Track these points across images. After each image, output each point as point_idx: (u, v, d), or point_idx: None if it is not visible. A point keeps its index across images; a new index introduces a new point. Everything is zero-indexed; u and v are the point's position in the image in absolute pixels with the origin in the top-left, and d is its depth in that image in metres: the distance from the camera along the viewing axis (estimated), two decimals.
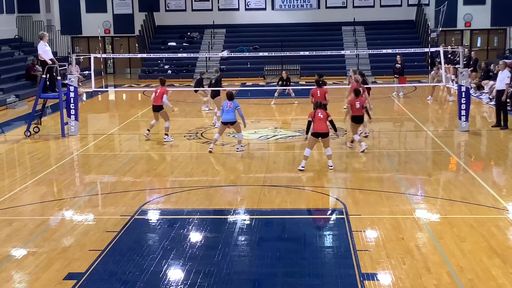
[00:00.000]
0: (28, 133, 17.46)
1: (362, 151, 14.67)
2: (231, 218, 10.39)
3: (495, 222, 9.76)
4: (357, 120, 15.10)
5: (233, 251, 8.85)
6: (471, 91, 19.65)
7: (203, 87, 21.24)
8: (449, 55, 27.50)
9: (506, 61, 19.75)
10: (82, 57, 27.02)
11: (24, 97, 25.04)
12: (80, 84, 20.44)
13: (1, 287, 7.77)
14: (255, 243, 9.21)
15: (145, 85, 30.01)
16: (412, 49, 23.44)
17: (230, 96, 14.94)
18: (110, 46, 37.19)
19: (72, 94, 17.60)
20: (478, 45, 35.08)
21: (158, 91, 16.45)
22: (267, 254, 8.72)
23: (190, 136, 17.33)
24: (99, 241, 9.20)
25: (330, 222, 10.41)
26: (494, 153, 15.01)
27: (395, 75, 24.63)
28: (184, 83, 28.83)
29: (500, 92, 17.57)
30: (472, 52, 27.85)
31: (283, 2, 35.76)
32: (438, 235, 9.19)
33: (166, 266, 8.31)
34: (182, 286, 7.70)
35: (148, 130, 16.87)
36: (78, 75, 20.13)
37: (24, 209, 11.03)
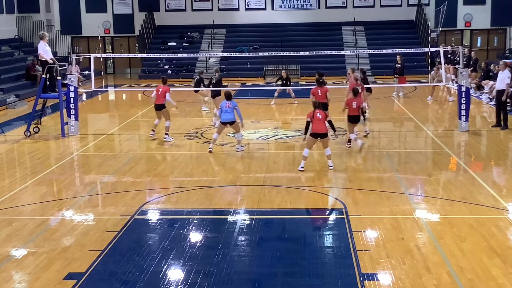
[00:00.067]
0: (28, 133, 17.46)
1: (359, 149, 14.70)
2: (231, 218, 10.39)
3: (495, 222, 9.76)
4: (353, 119, 15.14)
5: (233, 251, 8.85)
6: (471, 91, 19.65)
7: (204, 86, 21.24)
8: (449, 55, 27.50)
9: (506, 61, 19.75)
10: (82, 57, 27.01)
11: (24, 97, 25.04)
12: (80, 84, 20.43)
13: (1, 287, 7.77)
14: (255, 243, 9.21)
15: (145, 85, 30.01)
16: (412, 49, 23.44)
17: (229, 96, 14.96)
18: (110, 46, 37.19)
19: (72, 94, 17.60)
20: (478, 45, 35.08)
21: (160, 90, 16.46)
22: (267, 254, 8.72)
23: (190, 136, 17.34)
24: (99, 241, 9.21)
25: (330, 222, 10.41)
26: (494, 153, 15.01)
27: (395, 75, 24.63)
28: (184, 83, 28.82)
29: (500, 92, 17.57)
30: (472, 52, 27.86)
31: (283, 2, 35.77)
32: (438, 235, 9.19)
33: (166, 266, 8.32)
34: (182, 286, 7.70)
35: (153, 130, 16.86)
36: (78, 75, 20.12)
37: (24, 209, 11.03)
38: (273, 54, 26.58)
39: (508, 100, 17.89)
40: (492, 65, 24.12)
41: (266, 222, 10.21)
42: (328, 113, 16.05)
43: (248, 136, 17.01)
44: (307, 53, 25.65)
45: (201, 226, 10.09)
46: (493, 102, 20.08)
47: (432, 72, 23.48)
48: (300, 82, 29.56)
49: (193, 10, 36.24)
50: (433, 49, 24.20)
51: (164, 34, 35.87)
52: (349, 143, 15.28)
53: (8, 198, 11.62)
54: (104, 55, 29.16)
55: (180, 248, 8.98)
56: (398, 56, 24.31)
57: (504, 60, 20.71)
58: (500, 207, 10.52)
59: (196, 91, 21.80)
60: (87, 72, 25.23)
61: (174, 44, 34.94)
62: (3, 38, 30.55)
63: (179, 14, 36.21)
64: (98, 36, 30.25)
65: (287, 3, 35.76)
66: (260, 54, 27.40)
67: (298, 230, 9.96)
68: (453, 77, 25.89)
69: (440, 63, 21.27)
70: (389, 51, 23.47)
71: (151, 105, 21.21)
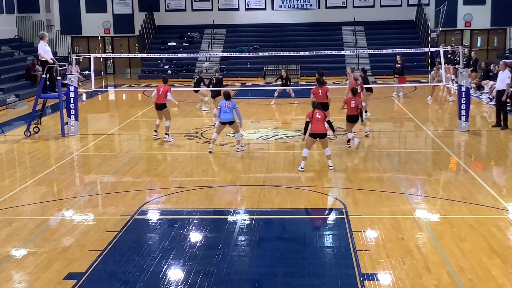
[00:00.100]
0: (28, 133, 17.46)
1: (356, 147, 14.72)
2: (231, 218, 10.39)
3: (495, 222, 9.76)
4: (351, 119, 15.18)
5: (233, 251, 8.85)
6: (471, 91, 19.65)
7: (205, 85, 21.26)
8: (449, 55, 27.50)
9: (507, 61, 19.75)
10: (82, 57, 27.02)
11: (24, 97, 25.04)
12: (80, 84, 20.43)
13: (1, 287, 7.77)
14: (255, 243, 9.21)
15: (145, 85, 30.02)
16: (412, 49, 23.43)
17: (228, 96, 14.96)
18: (110, 46, 37.19)
19: (72, 94, 17.60)
20: (478, 45, 35.08)
21: (161, 89, 16.45)
22: (267, 254, 8.72)
23: (190, 136, 17.34)
24: (99, 241, 9.21)
25: (330, 222, 10.41)
26: (494, 153, 15.01)
27: (395, 75, 24.63)
28: (184, 83, 28.81)
29: (500, 92, 17.57)
30: (472, 52, 27.86)
31: (283, 2, 35.77)
32: (438, 235, 9.19)
33: (166, 266, 8.32)
34: (182, 286, 7.70)
35: (156, 131, 16.83)
36: (78, 75, 20.12)
37: (24, 209, 11.03)
38: (273, 54, 26.58)
39: (508, 100, 17.89)
40: (492, 65, 24.12)
41: (266, 222, 10.21)
42: (329, 113, 16.11)
43: (248, 136, 17.01)
44: (307, 53, 25.65)
45: (201, 226, 10.09)
46: (493, 102, 20.08)
47: (432, 72, 23.48)
48: (300, 82, 29.56)
49: (193, 10, 36.24)
50: (433, 49, 24.20)
51: (164, 34, 35.87)
52: (348, 143, 15.29)
53: (8, 198, 11.62)
54: (104, 55, 29.16)
55: (180, 248, 8.98)
56: (398, 56, 24.31)
57: (504, 60, 20.71)
58: (500, 207, 10.52)
59: (196, 91, 21.81)
60: (87, 72, 25.22)
61: (174, 44, 34.94)
62: (3, 38, 30.56)
63: (179, 14, 36.21)
64: (98, 36, 30.25)
65: (287, 3, 35.76)
66: (260, 54, 27.40)
67: (298, 230, 9.96)
68: (453, 77, 25.89)
69: (440, 63, 21.27)
70: (389, 51, 23.47)
71: (151, 105, 21.23)
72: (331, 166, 13.13)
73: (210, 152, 14.92)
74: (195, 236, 9.58)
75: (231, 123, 14.82)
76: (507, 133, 16.92)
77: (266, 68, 32.68)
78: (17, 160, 15.16)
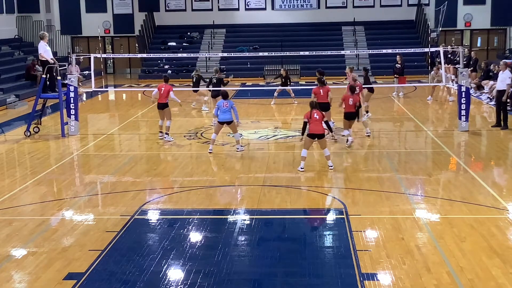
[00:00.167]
0: (28, 133, 17.46)
1: (349, 146, 14.95)
2: (231, 218, 10.39)
3: (495, 222, 9.76)
4: (348, 116, 15.22)
5: (233, 251, 8.85)
6: (471, 91, 19.65)
7: (205, 83, 21.27)
8: (449, 55, 27.50)
9: (507, 61, 19.75)
10: (82, 57, 27.02)
11: (24, 97, 25.04)
12: (80, 84, 20.43)
13: (1, 287, 7.77)
14: (255, 243, 9.21)
15: (145, 85, 30.01)
16: (412, 49, 23.42)
17: (225, 95, 14.96)
18: (110, 46, 37.19)
19: (72, 94, 17.60)
20: (478, 45, 35.08)
21: (163, 89, 16.42)
22: (267, 254, 8.72)
23: (190, 136, 17.34)
24: (99, 241, 9.21)
25: (330, 222, 10.41)
26: (494, 153, 15.01)
27: (395, 75, 24.61)
28: (184, 83, 28.80)
29: (500, 92, 17.57)
30: (472, 52, 27.88)
31: (283, 2, 35.77)
32: (438, 235, 9.19)
33: (166, 266, 8.32)
34: (182, 286, 7.70)
35: (161, 132, 16.73)
36: (78, 75, 20.12)
37: (24, 209, 11.04)
38: (273, 54, 26.58)
39: (508, 100, 17.89)
40: (492, 65, 24.12)
41: (266, 222, 10.21)
42: (330, 113, 16.11)
43: (248, 136, 17.01)
44: (307, 53, 25.64)
45: (201, 226, 10.09)
46: (493, 102, 20.09)
47: (432, 72, 23.48)
48: (300, 82, 29.56)
49: (193, 10, 36.24)
50: (433, 49, 24.21)
51: (164, 34, 35.87)
52: (348, 142, 15.34)
53: (8, 198, 11.62)
54: (104, 55, 29.17)
55: (180, 248, 8.98)
56: (398, 56, 24.30)
57: (505, 60, 20.72)
58: (500, 207, 10.52)
59: (196, 91, 21.82)
60: (87, 72, 25.24)
61: (174, 44, 34.94)
62: (3, 38, 30.56)
63: (179, 14, 36.21)
64: (98, 36, 30.28)
65: (287, 3, 35.76)
66: (260, 54, 27.40)
67: (298, 230, 9.96)
68: (453, 77, 25.89)
69: (440, 63, 21.27)
70: (389, 51, 23.47)
71: (151, 105, 21.25)
72: (331, 166, 13.13)
73: (210, 153, 14.92)
74: (195, 236, 9.58)
75: (229, 123, 14.81)
76: (507, 133, 16.93)
77: (266, 68, 32.68)
78: (17, 160, 15.16)
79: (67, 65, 20.79)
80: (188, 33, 35.80)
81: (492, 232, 9.29)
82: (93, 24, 33.89)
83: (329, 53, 26.27)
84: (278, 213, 10.59)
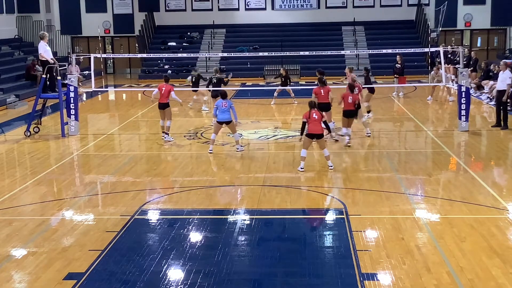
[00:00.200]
0: (28, 133, 17.46)
1: (345, 145, 15.05)
2: (231, 218, 10.39)
3: (495, 222, 9.76)
4: (348, 114, 15.26)
5: (233, 251, 8.85)
6: (471, 91, 19.65)
7: (204, 81, 21.25)
8: (449, 55, 27.50)
9: (507, 61, 19.74)
10: (82, 57, 27.02)
11: (24, 97, 25.04)
12: (80, 84, 20.43)
13: (1, 287, 7.77)
14: (255, 243, 9.21)
15: (145, 85, 30.01)
16: (412, 49, 23.42)
17: (224, 95, 14.94)
18: (110, 46, 37.19)
19: (72, 94, 17.61)
20: (478, 45, 35.08)
21: (164, 88, 16.41)
22: (267, 254, 8.72)
23: (190, 136, 17.34)
24: (99, 241, 9.21)
25: (330, 222, 10.41)
26: (494, 153, 15.01)
27: (395, 75, 24.61)
28: (184, 83, 28.79)
29: (501, 92, 17.57)
30: (472, 52, 27.88)
31: (283, 2, 35.77)
32: (438, 235, 9.19)
33: (166, 266, 8.32)
34: (182, 286, 7.70)
35: (164, 132, 16.67)
36: (78, 75, 20.12)
37: (24, 209, 11.04)
38: (273, 54, 26.59)
39: (508, 100, 17.88)
40: (492, 65, 24.12)
41: (266, 222, 10.21)
42: (331, 113, 16.10)
43: (248, 136, 17.01)
44: (307, 53, 25.64)
45: (201, 226, 10.09)
46: (493, 102, 20.09)
47: (432, 72, 23.48)
48: (300, 82, 29.56)
49: (193, 10, 36.24)
50: (433, 49, 24.21)
51: (164, 34, 35.86)
52: (348, 141, 15.41)
53: (8, 198, 11.62)
54: (104, 55, 29.18)
55: (180, 248, 8.98)
56: (398, 56, 24.30)
57: (505, 60, 20.71)
58: (500, 207, 10.52)
59: (195, 91, 21.81)
60: (87, 72, 25.23)
61: (174, 44, 34.94)
62: (3, 38, 30.57)
63: (179, 14, 36.21)
64: (98, 36, 30.28)
65: (287, 3, 35.76)
66: (260, 54, 27.40)
67: (298, 230, 9.96)
68: (453, 77, 25.89)
69: (440, 63, 21.27)
70: (389, 51, 23.47)
71: (151, 105, 21.27)
72: (331, 166, 13.12)
73: (210, 153, 14.91)
74: (195, 236, 9.58)
75: (228, 122, 14.80)
76: (507, 133, 16.93)
77: (266, 68, 32.68)
78: (17, 160, 15.16)
79: (67, 65, 20.79)
80: (188, 33, 35.80)
81: (492, 232, 9.29)
82: (93, 24, 33.89)
83: (329, 53, 26.27)
84: (278, 213, 10.59)
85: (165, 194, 11.88)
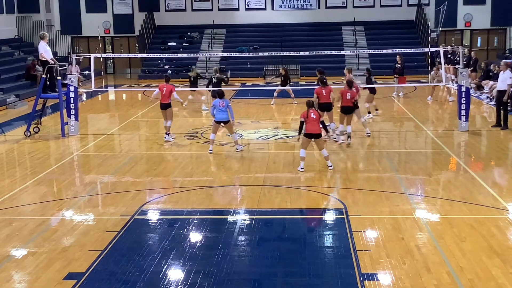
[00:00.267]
0: (28, 133, 17.46)
1: (339, 143, 15.14)
2: (231, 218, 10.38)
3: (495, 222, 9.76)
4: (345, 110, 15.31)
5: (233, 251, 8.85)
6: (471, 91, 19.65)
7: (198, 85, 21.24)
8: (449, 55, 27.50)
9: (507, 61, 19.74)
10: (82, 57, 27.02)
11: (24, 97, 25.04)
12: (80, 84, 20.44)
13: (1, 287, 7.77)
14: (255, 243, 9.21)
15: (145, 85, 30.01)
16: (412, 49, 23.43)
17: (221, 95, 14.91)
18: (110, 46, 37.19)
19: (72, 94, 17.61)
20: (478, 45, 35.08)
21: (165, 89, 16.40)
22: (267, 254, 8.72)
23: (190, 136, 17.34)
24: (99, 241, 9.21)
25: (330, 222, 10.41)
26: (494, 153, 15.01)
27: (395, 75, 24.59)
28: (184, 83, 28.80)
29: (501, 92, 17.56)
30: (472, 52, 27.87)
31: (283, 2, 35.77)
32: (438, 235, 9.19)
33: (166, 266, 8.32)
34: (182, 286, 7.70)
35: (167, 133, 16.67)
36: (78, 75, 20.13)
37: (24, 209, 11.04)
38: (273, 54, 26.58)
39: (508, 100, 17.88)
40: (492, 65, 24.12)
41: (266, 222, 10.21)
42: (332, 113, 16.09)
43: (248, 136, 17.01)
44: (307, 53, 25.63)
45: (201, 226, 10.09)
46: (493, 102, 20.08)
47: (432, 72, 23.47)
48: (300, 82, 29.55)
49: (193, 10, 36.24)
50: (433, 49, 24.21)
51: (164, 34, 35.87)
52: (349, 138, 15.44)
53: (8, 198, 11.62)
54: (104, 55, 29.18)
55: (180, 248, 8.98)
56: (398, 56, 24.28)
57: (505, 60, 20.71)
58: (500, 207, 10.52)
59: (193, 91, 21.81)
60: (87, 72, 25.25)
61: (174, 44, 34.94)
62: (3, 38, 30.57)
63: (179, 14, 36.21)
64: (98, 36, 30.28)
65: (287, 3, 35.76)
66: (260, 54, 27.38)
67: (298, 230, 9.96)
68: (453, 77, 25.89)
69: (440, 63, 21.27)
70: (389, 51, 23.48)
71: (151, 105, 21.27)
72: (331, 166, 13.12)
73: (210, 153, 14.91)
74: (195, 236, 9.58)
75: (225, 122, 14.78)
76: (507, 133, 16.93)
77: (266, 68, 32.69)
78: (17, 160, 15.16)
79: (67, 65, 20.79)
80: (188, 33, 35.80)
81: (492, 232, 9.29)
82: (93, 24, 33.89)
83: (329, 53, 26.28)
84: (278, 213, 10.59)
85: (165, 194, 11.88)
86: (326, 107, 15.65)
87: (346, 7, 35.41)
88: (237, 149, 15.08)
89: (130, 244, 9.16)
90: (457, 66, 23.82)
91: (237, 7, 36.05)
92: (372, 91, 19.58)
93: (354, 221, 9.91)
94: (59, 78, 17.94)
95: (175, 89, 16.65)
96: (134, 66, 36.13)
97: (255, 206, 10.92)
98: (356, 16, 34.92)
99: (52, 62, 17.88)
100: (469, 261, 8.22)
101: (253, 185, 12.27)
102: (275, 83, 25.57)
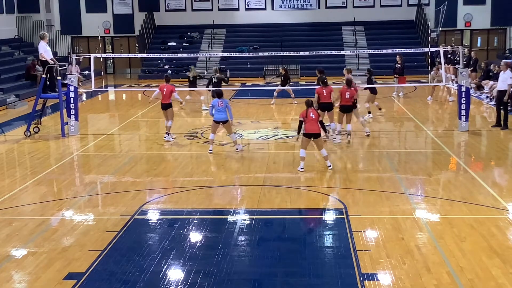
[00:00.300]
0: (28, 133, 17.46)
1: (338, 143, 15.21)
2: (231, 218, 10.38)
3: (495, 222, 9.76)
4: (344, 109, 15.32)
5: (233, 251, 8.85)
6: (471, 91, 19.65)
7: (197, 85, 21.23)
8: (449, 55, 27.50)
9: (508, 61, 19.73)
10: (82, 57, 27.03)
11: (24, 97, 25.04)
12: (80, 84, 20.43)
13: (1, 287, 7.77)
14: (255, 243, 9.21)
15: (145, 85, 30.01)
16: (412, 49, 23.44)
17: (219, 94, 14.90)
18: (110, 46, 37.19)
19: (72, 94, 17.60)
20: (478, 45, 35.08)
21: (165, 89, 16.40)
22: (267, 254, 8.72)
23: (190, 136, 17.34)
24: (99, 241, 9.21)
25: (330, 222, 10.40)
26: (494, 153, 15.01)
27: (395, 75, 24.60)
28: (184, 83, 28.79)
29: (501, 92, 17.56)
30: (472, 52, 27.87)
31: (283, 2, 35.77)
32: (438, 235, 9.19)
33: (166, 266, 8.32)
34: (182, 286, 7.70)
35: (167, 133, 16.65)
36: (78, 75, 20.12)
37: (24, 209, 11.04)
38: (273, 54, 26.59)
39: (509, 100, 17.88)
40: (492, 65, 24.12)
41: (266, 222, 10.21)
42: (333, 113, 16.10)
43: (248, 136, 17.01)
44: (307, 53, 25.64)
45: (201, 226, 10.09)
46: (493, 102, 20.08)
47: (432, 72, 23.47)
48: (300, 82, 29.55)
49: (193, 10, 36.24)
50: (433, 49, 24.21)
51: (164, 34, 35.87)
52: (348, 136, 15.47)
53: (8, 198, 11.62)
54: (104, 55, 29.18)
55: (180, 248, 8.98)
56: (398, 56, 24.29)
57: (505, 60, 20.71)
58: (500, 207, 10.52)
59: (192, 91, 21.81)
60: (87, 72, 25.24)
61: (174, 44, 34.95)
62: (3, 38, 30.57)
63: (179, 14, 36.21)
64: (98, 36, 30.28)
65: (287, 3, 35.76)
66: (260, 54, 27.40)
67: (298, 230, 9.96)
68: (453, 77, 25.89)
69: (440, 63, 21.27)
70: (389, 51, 23.49)
71: (151, 105, 21.26)
72: (330, 166, 13.12)
73: (210, 153, 14.91)
74: (195, 236, 9.58)
75: (224, 122, 14.76)
76: (507, 133, 16.93)
77: (266, 68, 32.69)
78: (17, 160, 15.16)
79: (67, 65, 20.79)
80: (188, 33, 35.80)
81: (492, 232, 9.29)
82: (93, 24, 33.90)
83: (329, 53, 26.27)
84: (278, 213, 10.59)
85: (165, 194, 11.88)
86: (327, 107, 15.66)
87: (346, 7, 35.41)
88: (237, 149, 15.08)
89: (130, 244, 9.16)
90: (457, 66, 23.82)
91: (237, 7, 36.05)
92: (373, 91, 19.60)
93: (354, 221, 9.91)
94: (59, 78, 17.94)
95: (176, 89, 16.65)
96: (134, 66, 36.14)
97: (255, 206, 10.92)
98: (356, 16, 34.92)
99: (52, 63, 17.88)
100: (469, 261, 8.22)
101: (253, 185, 12.27)
102: (275, 83, 25.55)
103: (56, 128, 18.72)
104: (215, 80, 20.18)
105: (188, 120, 20.06)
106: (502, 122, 17.40)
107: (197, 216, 10.42)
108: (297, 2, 35.68)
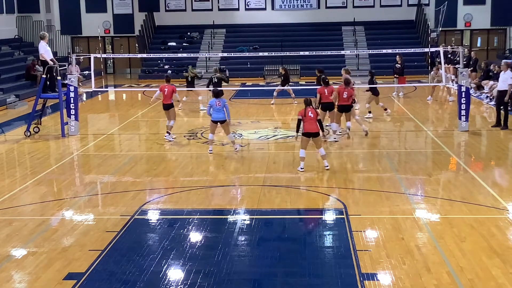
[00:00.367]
0: (28, 133, 17.46)
1: (330, 143, 15.23)
2: (231, 218, 10.38)
3: (495, 222, 9.76)
4: (342, 109, 15.37)
5: (233, 251, 8.85)
6: (471, 91, 19.65)
7: (195, 85, 21.24)
8: (449, 55, 27.50)
9: (508, 61, 19.73)
10: (82, 57, 27.03)
11: (24, 97, 25.04)
12: (80, 84, 20.44)
13: (1, 287, 7.77)
14: (255, 243, 9.21)
15: (145, 85, 30.01)
16: (412, 49, 23.44)
17: (218, 94, 14.88)
18: (110, 46, 37.20)
19: (72, 94, 17.60)
20: (478, 45, 35.08)
21: (166, 89, 16.40)
22: (267, 254, 8.72)
23: (190, 136, 17.34)
24: (99, 241, 9.21)
25: (330, 222, 10.40)
26: (494, 153, 15.01)
27: (395, 75, 24.59)
28: (184, 83, 28.79)
29: (501, 92, 17.56)
30: (472, 52, 27.88)
31: (283, 2, 35.77)
32: (438, 235, 9.19)
33: (166, 266, 8.32)
34: (182, 286, 7.70)
35: (168, 132, 16.64)
36: (78, 75, 20.13)
37: (24, 209, 11.04)
38: (273, 54, 26.58)
39: (509, 100, 17.88)
40: (492, 65, 24.12)
41: (266, 222, 10.21)
42: (334, 113, 16.10)
43: (248, 136, 17.01)
44: (307, 53, 25.63)
45: (201, 226, 10.08)
46: (493, 102, 20.08)
47: (432, 72, 23.48)
48: (300, 82, 29.55)
49: (193, 10, 36.24)
50: (433, 49, 24.21)
51: (164, 34, 35.87)
52: (348, 130, 15.51)
53: (8, 198, 11.62)
54: (104, 55, 29.18)
55: (180, 248, 8.98)
56: (398, 56, 24.28)
57: (506, 60, 20.71)
58: (500, 207, 10.52)
59: (189, 91, 21.82)
60: (87, 72, 25.24)
61: (174, 44, 34.95)
62: (3, 38, 30.57)
63: (179, 14, 36.21)
64: (98, 36, 30.28)
65: (287, 3, 35.76)
66: (260, 54, 27.40)
67: (298, 230, 9.96)
68: (453, 77, 25.89)
69: (440, 63, 21.27)
70: (389, 51, 23.49)
71: (151, 105, 21.24)
72: (327, 166, 13.10)
73: (210, 153, 14.91)
74: (195, 236, 9.58)
75: (222, 122, 14.75)
76: (507, 133, 16.92)
77: (266, 68, 32.69)
78: (17, 160, 15.16)
79: (67, 65, 20.79)
80: (188, 33, 35.80)
81: (492, 232, 9.29)
82: (93, 24, 33.90)
83: (329, 53, 26.26)
84: (278, 213, 10.59)
85: (165, 194, 11.88)
86: (329, 106, 15.69)
87: (346, 7, 35.41)
88: (235, 149, 15.07)
89: (130, 244, 9.16)
90: (457, 66, 23.81)
91: (237, 7, 36.05)
92: (375, 92, 19.63)
93: (354, 221, 9.91)
94: (59, 78, 17.94)
95: (176, 89, 16.66)
96: (134, 66, 36.14)
97: (255, 206, 10.92)
98: (356, 16, 34.92)
99: (52, 63, 17.88)
100: (469, 261, 8.22)
101: (253, 185, 12.27)
102: (275, 83, 25.54)
103: (56, 128, 18.72)
104: (215, 80, 20.18)
105: (188, 120, 20.06)
106: (502, 122, 17.41)
107: (197, 216, 10.42)
108: (297, 2, 35.69)
